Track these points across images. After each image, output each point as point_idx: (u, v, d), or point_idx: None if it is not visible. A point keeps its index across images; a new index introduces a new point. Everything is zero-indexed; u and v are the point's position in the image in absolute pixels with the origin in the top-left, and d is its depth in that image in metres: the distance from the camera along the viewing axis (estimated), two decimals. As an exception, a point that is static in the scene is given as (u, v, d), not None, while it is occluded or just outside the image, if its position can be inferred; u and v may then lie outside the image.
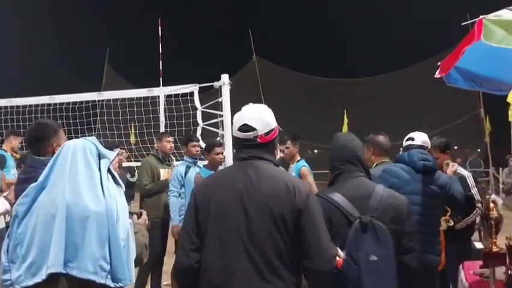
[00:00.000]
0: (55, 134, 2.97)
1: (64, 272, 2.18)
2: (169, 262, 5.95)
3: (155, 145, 7.24)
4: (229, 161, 6.37)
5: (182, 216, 5.30)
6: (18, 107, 8.11)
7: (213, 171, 5.21)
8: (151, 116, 7.32)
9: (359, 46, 24.63)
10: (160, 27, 7.86)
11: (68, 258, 2.18)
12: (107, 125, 8.01)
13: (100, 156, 2.35)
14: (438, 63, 3.68)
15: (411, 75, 20.56)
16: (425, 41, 22.42)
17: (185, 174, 5.56)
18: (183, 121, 7.16)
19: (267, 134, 2.28)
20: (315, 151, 22.37)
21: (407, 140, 3.96)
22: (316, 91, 22.36)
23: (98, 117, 8.84)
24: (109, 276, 2.23)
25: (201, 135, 6.86)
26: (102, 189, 2.26)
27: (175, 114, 7.26)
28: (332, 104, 20.59)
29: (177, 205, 5.46)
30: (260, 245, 2.11)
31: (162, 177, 5.74)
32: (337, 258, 2.27)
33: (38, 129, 3.00)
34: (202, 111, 6.90)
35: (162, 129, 7.13)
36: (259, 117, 2.29)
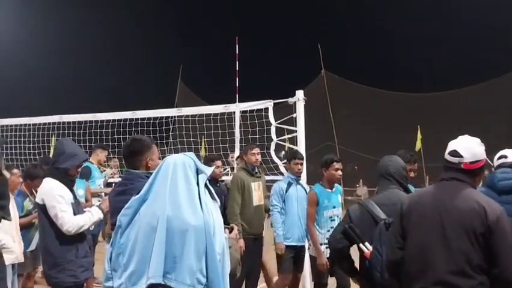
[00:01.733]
0: (149, 149, 3.11)
1: (162, 283, 2.25)
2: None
3: (233, 160, 7.33)
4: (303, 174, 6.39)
5: (284, 233, 5.35)
6: (102, 121, 8.63)
7: (328, 188, 5.18)
8: (226, 131, 7.49)
9: (435, 59, 23.73)
10: (237, 45, 8.05)
11: (167, 269, 2.25)
12: (184, 139, 8.31)
13: (197, 172, 2.43)
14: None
15: (490, 89, 19.54)
16: (505, 54, 21.19)
17: (286, 191, 5.45)
18: (257, 136, 7.24)
19: (472, 163, 2.66)
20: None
21: (499, 158, 3.79)
22: (387, 106, 21.78)
23: (177, 132, 9.17)
24: None
25: (274, 150, 6.94)
26: (200, 203, 2.34)
27: (250, 129, 7.38)
28: (405, 119, 19.92)
29: (280, 221, 5.37)
30: (453, 252, 2.52)
31: (253, 191, 5.62)
32: (366, 250, 3.04)
33: (133, 144, 3.15)
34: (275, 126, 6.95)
35: (237, 144, 7.28)
36: (468, 147, 2.70)
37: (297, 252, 5.45)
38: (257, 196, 5.66)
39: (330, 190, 5.20)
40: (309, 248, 5.31)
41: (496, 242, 2.48)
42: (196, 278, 2.26)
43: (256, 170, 5.81)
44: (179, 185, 2.34)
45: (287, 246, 5.33)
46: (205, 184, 2.43)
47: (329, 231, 4.95)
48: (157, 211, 2.30)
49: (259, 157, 5.81)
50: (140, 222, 2.34)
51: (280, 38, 28.59)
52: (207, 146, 9.31)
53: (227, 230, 2.69)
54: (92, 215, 3.85)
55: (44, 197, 3.73)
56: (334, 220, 5.10)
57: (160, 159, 3.09)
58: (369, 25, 28.13)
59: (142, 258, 2.29)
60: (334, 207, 5.16)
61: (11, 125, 9.26)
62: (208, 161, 5.65)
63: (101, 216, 3.92)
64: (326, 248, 4.88)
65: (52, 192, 3.72)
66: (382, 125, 21.44)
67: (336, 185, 5.31)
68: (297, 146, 6.64)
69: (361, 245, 3.15)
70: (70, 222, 3.66)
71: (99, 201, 6.10)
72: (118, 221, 2.40)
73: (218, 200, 2.50)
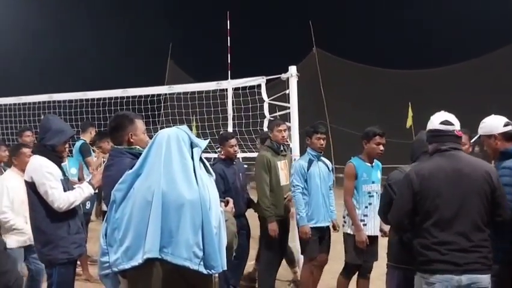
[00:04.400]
0: (131, 124, 3.03)
1: (159, 257, 2.25)
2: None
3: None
4: (295, 150, 6.37)
5: (309, 214, 4.98)
6: (93, 100, 8.49)
7: (368, 162, 4.77)
8: (219, 108, 7.41)
9: (426, 36, 23.47)
10: (228, 21, 7.91)
11: (164, 244, 2.25)
12: (176, 117, 8.26)
13: (192, 145, 2.39)
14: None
15: (481, 66, 19.50)
16: (495, 31, 21.07)
17: (307, 169, 5.03)
18: (250, 113, 7.17)
19: (459, 130, 3.08)
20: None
21: (506, 125, 3.40)
22: (378, 83, 21.68)
23: (169, 110, 9.10)
24: (202, 263, 2.28)
25: (268, 127, 6.88)
26: (195, 177, 2.31)
27: (242, 106, 7.30)
28: (395, 96, 19.87)
29: (303, 202, 4.97)
30: (470, 211, 2.90)
31: (280, 170, 5.27)
32: None
33: (115, 120, 3.10)
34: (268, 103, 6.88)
35: (230, 122, 7.22)
36: (453, 117, 3.10)
37: (322, 233, 5.10)
38: (284, 175, 5.32)
39: (369, 164, 4.78)
40: (343, 225, 4.88)
41: (499, 195, 2.97)
42: (192, 251, 2.26)
43: (282, 148, 5.43)
44: (173, 159, 2.31)
45: (312, 228, 4.95)
46: (200, 158, 2.40)
47: (367, 207, 4.68)
48: (152, 186, 2.28)
49: (286, 134, 5.43)
50: (135, 197, 2.32)
51: (272, 13, 28.16)
52: (199, 124, 9.24)
53: (223, 204, 2.67)
54: (83, 190, 3.78)
55: (33, 175, 3.66)
56: (373, 196, 4.72)
57: (145, 134, 3.04)
58: (362, 2, 27.83)
59: (138, 233, 2.28)
60: (373, 182, 4.75)
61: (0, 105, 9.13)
62: (222, 139, 5.39)
63: (92, 191, 3.87)
64: (364, 225, 4.66)
65: (41, 169, 3.65)
66: (373, 103, 21.38)
67: (375, 161, 4.88)
68: (290, 122, 6.59)
69: None
70: (61, 198, 3.61)
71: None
72: (113, 196, 2.37)
73: (213, 174, 2.47)
